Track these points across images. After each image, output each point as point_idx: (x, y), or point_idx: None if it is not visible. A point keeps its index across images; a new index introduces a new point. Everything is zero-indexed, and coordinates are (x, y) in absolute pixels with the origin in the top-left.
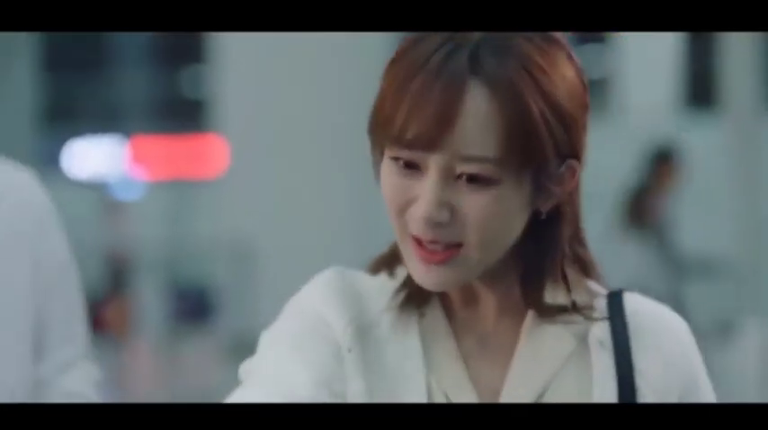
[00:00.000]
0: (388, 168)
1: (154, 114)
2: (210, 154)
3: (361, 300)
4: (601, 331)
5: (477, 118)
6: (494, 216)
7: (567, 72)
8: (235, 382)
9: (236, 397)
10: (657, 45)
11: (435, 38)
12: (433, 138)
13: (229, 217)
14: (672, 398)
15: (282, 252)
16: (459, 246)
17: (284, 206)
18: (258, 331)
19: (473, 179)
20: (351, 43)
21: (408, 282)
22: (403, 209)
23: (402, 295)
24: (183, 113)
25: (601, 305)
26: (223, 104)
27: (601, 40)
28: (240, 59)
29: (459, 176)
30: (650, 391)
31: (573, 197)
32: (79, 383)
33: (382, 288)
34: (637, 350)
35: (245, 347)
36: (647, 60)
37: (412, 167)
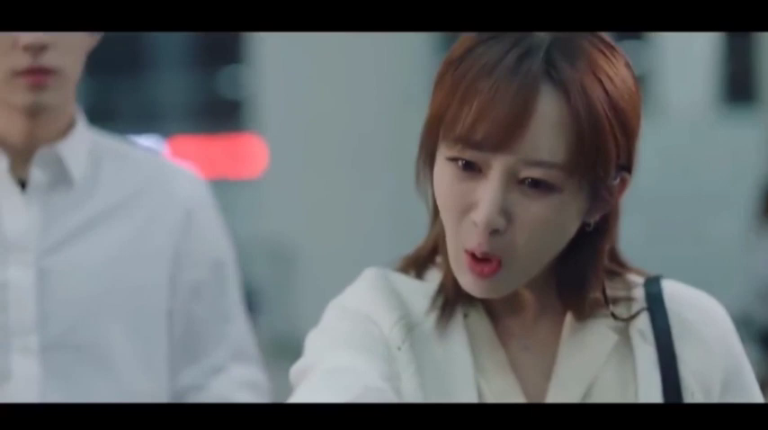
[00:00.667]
0: (444, 170)
1: (192, 114)
2: (249, 154)
3: (404, 301)
4: (641, 322)
5: (549, 122)
6: (550, 225)
7: (629, 81)
8: (275, 382)
9: (304, 394)
10: (695, 42)
11: (506, 38)
12: (504, 140)
13: (269, 217)
14: (716, 384)
15: (321, 252)
16: (502, 259)
17: (323, 206)
18: (298, 331)
19: (535, 184)
20: (389, 43)
21: (445, 288)
22: (462, 214)
23: (441, 299)
24: (221, 113)
25: (639, 295)
26: (261, 104)
27: (638, 38)
28: (278, 59)
29: (522, 181)
30: (694, 380)
31: (616, 211)
32: (228, 387)
33: (422, 289)
34: (678, 339)
35: (285, 347)
36: (685, 57)
37: (471, 169)
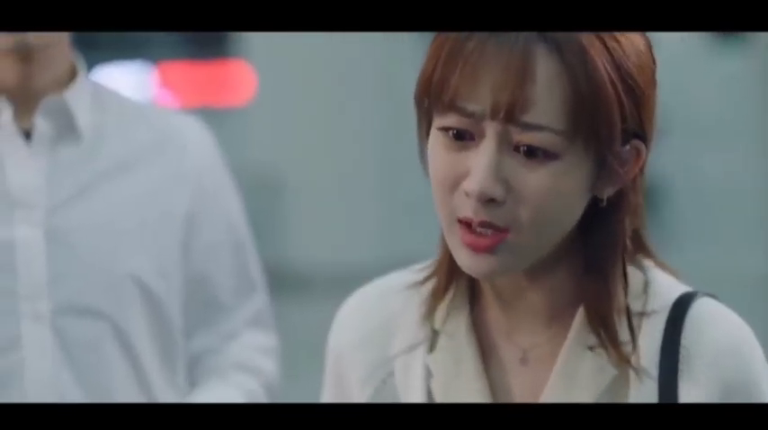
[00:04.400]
0: (436, 141)
1: (180, 40)
2: (237, 81)
3: (381, 340)
4: (649, 353)
5: (543, 83)
6: (551, 195)
7: (638, 43)
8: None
9: None
10: None
11: None
12: (494, 104)
13: (256, 146)
14: None
15: (309, 182)
16: (508, 230)
17: (310, 134)
18: (287, 261)
19: (532, 152)
20: None
21: (433, 297)
22: (453, 186)
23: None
24: (209, 40)
25: (659, 323)
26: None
27: None
28: None
29: (517, 148)
30: None
31: (636, 186)
32: (244, 352)
33: (405, 319)
34: (686, 376)
35: (274, 277)
36: None
37: (464, 138)
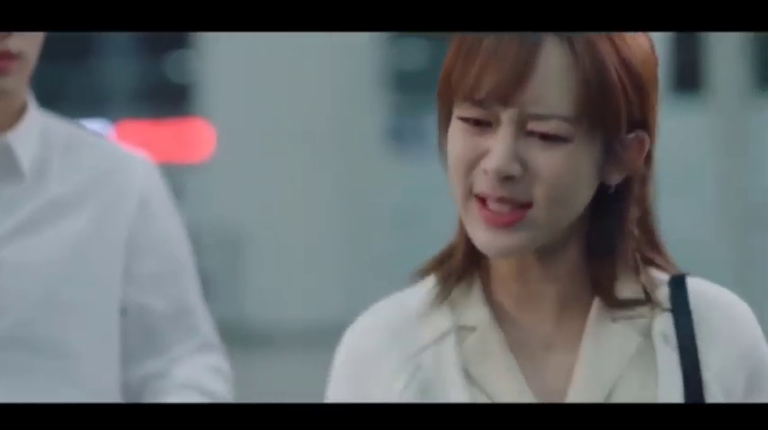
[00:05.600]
0: (456, 128)
1: (139, 99)
2: (196, 139)
3: (405, 339)
4: (664, 324)
5: (553, 74)
6: (564, 173)
7: (642, 42)
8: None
9: None
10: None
11: None
12: (507, 94)
13: (216, 202)
14: (739, 385)
15: (269, 238)
16: (527, 206)
17: (270, 191)
18: (245, 318)
19: (545, 136)
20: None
21: (446, 286)
22: (471, 165)
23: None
24: (168, 98)
25: (663, 294)
26: (209, 89)
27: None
28: (225, 44)
29: (531, 133)
30: (717, 385)
31: (644, 177)
32: (192, 371)
33: (421, 319)
34: (702, 341)
35: (231, 334)
36: None
37: (481, 125)
